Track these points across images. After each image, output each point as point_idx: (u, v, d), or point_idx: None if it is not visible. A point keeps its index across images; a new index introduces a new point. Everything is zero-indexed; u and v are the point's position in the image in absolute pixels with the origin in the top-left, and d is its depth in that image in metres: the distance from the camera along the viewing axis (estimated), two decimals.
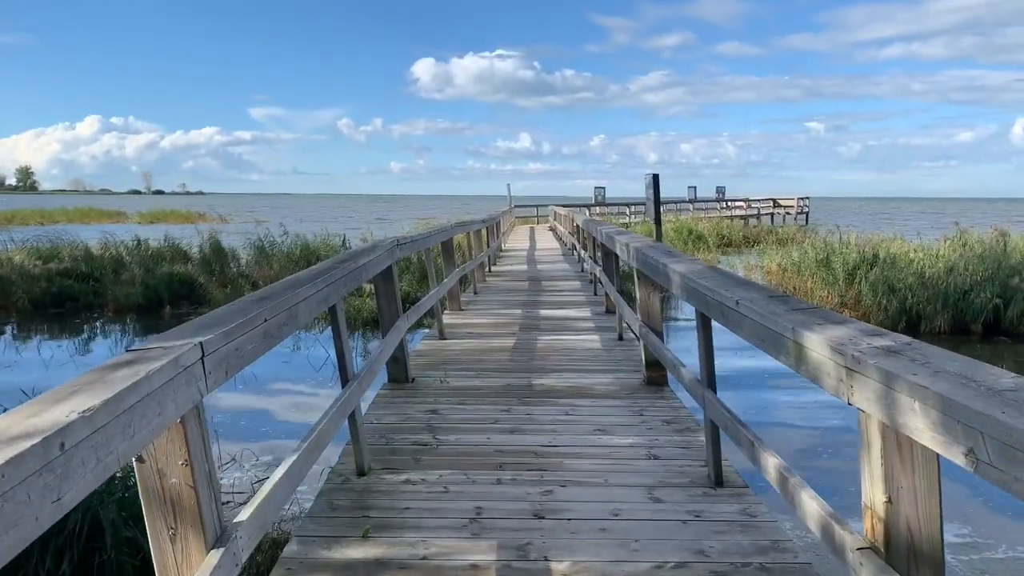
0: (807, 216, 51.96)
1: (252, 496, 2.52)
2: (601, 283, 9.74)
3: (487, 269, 13.72)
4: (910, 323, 12.41)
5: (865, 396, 1.94)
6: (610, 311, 8.90)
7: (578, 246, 15.24)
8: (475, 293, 10.84)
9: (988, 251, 15.18)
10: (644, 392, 5.34)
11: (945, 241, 19.27)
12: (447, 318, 8.50)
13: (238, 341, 2.32)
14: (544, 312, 9.06)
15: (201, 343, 2.05)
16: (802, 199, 53.47)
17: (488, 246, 13.89)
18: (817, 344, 2.18)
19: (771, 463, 2.70)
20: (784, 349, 2.43)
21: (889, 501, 1.98)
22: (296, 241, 19.76)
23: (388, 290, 5.42)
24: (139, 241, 19.08)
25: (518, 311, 9.14)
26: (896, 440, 1.94)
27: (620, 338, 7.28)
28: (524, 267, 15.35)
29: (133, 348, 2.00)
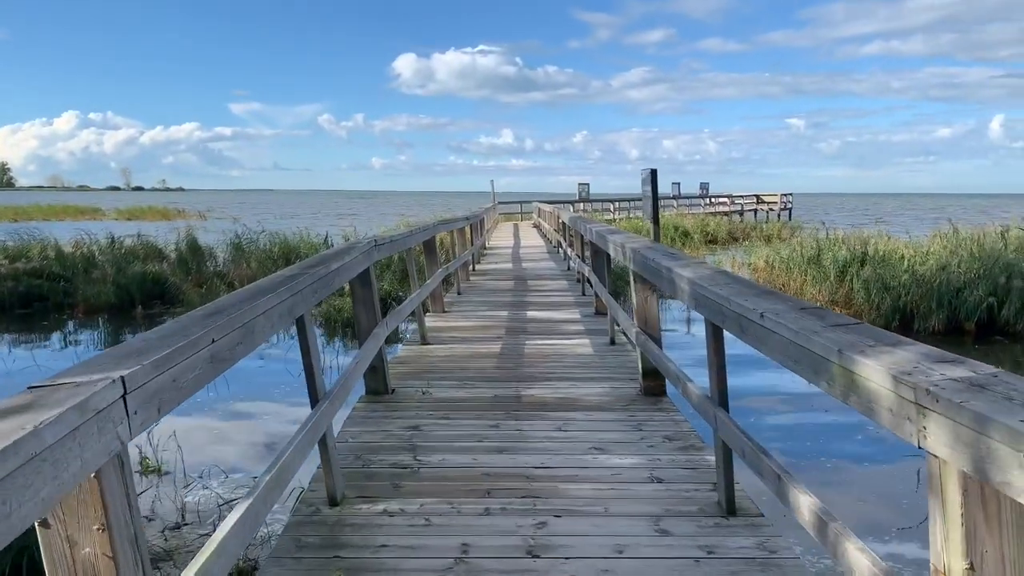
0: (790, 212, 52.03)
1: (201, 549, 2.13)
2: (590, 283, 9.39)
3: (471, 268, 13.33)
4: (903, 322, 12.15)
5: (943, 440, 1.57)
6: (600, 313, 8.54)
7: (564, 244, 14.88)
8: (459, 293, 10.45)
9: (980, 248, 14.98)
10: (642, 403, 4.97)
11: (936, 237, 19.12)
12: (430, 320, 8.11)
13: (175, 370, 1.92)
14: (531, 314, 8.68)
15: (123, 378, 1.66)
16: (785, 195, 53.55)
17: (472, 244, 13.49)
18: (875, 372, 1.81)
19: (804, 503, 2.33)
20: (826, 374, 2.07)
21: (971, 568, 1.61)
22: (275, 239, 19.29)
23: (365, 296, 5.02)
24: (112, 239, 18.47)
25: (504, 313, 8.76)
26: (982, 494, 1.58)
27: (612, 342, 6.92)
28: (509, 265, 14.97)
29: (36, 386, 1.60)
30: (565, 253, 14.98)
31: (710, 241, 30.26)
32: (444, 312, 8.75)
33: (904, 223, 43.80)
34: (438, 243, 9.05)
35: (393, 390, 5.28)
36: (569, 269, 13.73)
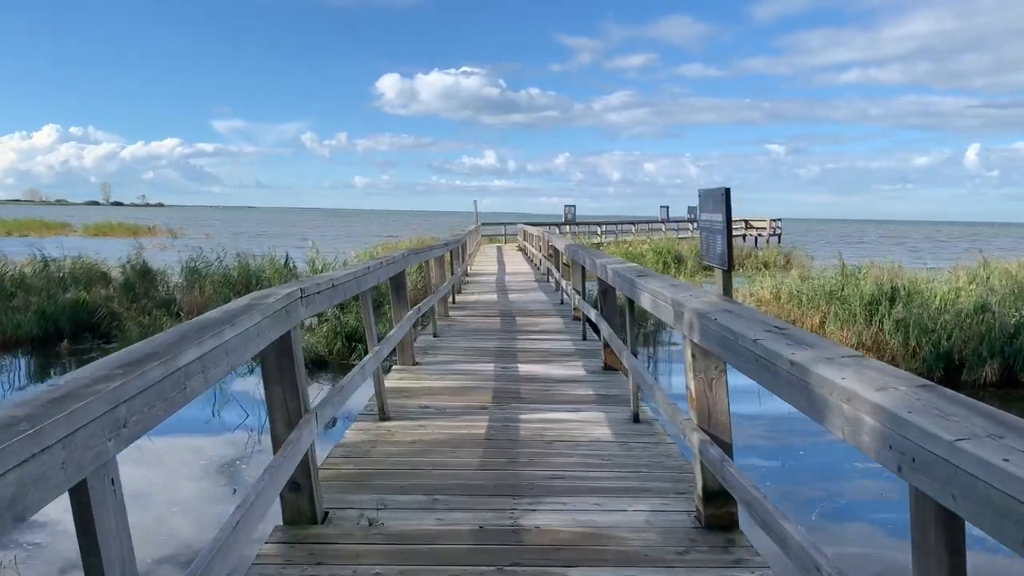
0: (779, 238, 50.85)
1: None
2: (594, 329, 7.70)
3: (451, 299, 11.59)
4: (948, 371, 10.54)
5: None
6: (611, 368, 6.82)
7: (555, 272, 13.18)
8: (435, 336, 8.69)
9: (1017, 284, 13.46)
10: (705, 548, 3.22)
11: (961, 271, 17.62)
12: (394, 379, 6.35)
13: None
14: (524, 368, 6.93)
15: None
16: (774, 221, 52.46)
17: (452, 273, 11.76)
18: None
19: None
20: None
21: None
22: (236, 261, 17.45)
23: (284, 372, 3.27)
24: (46, 260, 16.52)
25: (489, 366, 6.99)
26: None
27: (636, 419, 5.19)
28: (493, 296, 13.23)
29: None
30: (557, 283, 13.29)
31: (706, 268, 28.70)
32: (415, 364, 6.98)
33: (906, 252, 42.66)
34: (423, 268, 7.30)
35: (326, 515, 3.50)
36: (562, 303, 12.02)
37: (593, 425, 5.10)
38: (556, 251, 13.08)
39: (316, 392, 7.35)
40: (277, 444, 3.21)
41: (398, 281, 6.66)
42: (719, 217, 4.30)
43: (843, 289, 13.80)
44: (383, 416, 5.12)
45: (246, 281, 16.17)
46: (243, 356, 2.65)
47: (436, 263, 9.86)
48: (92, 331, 12.67)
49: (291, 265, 17.52)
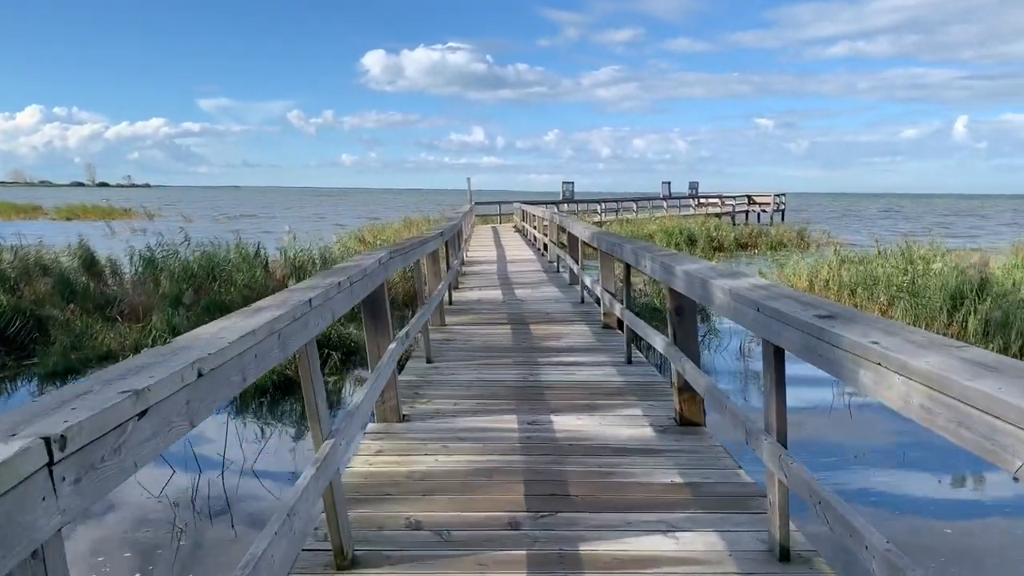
0: (783, 214, 48.76)
1: None
2: (634, 343, 5.53)
3: (447, 300, 9.38)
4: None
5: None
6: (691, 422, 4.64)
7: (572, 264, 10.97)
8: (429, 361, 6.46)
9: None
10: None
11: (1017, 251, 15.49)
12: (368, 454, 4.16)
13: None
14: (562, 424, 4.69)
15: None
16: (778, 196, 50.30)
17: (448, 266, 9.53)
18: None
19: None
20: None
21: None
22: (199, 250, 15.16)
23: None
24: None
25: (511, 421, 4.75)
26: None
27: (784, 556, 3.00)
28: (498, 293, 11.00)
29: None
30: (574, 274, 11.11)
31: (716, 248, 26.55)
32: (401, 420, 4.78)
33: (920, 228, 40.52)
34: (411, 273, 5.08)
35: None
36: (583, 301, 9.83)
37: (700, 551, 2.92)
38: (573, 239, 10.86)
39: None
40: None
41: (375, 301, 4.44)
42: None
43: (914, 279, 11.63)
44: (339, 562, 2.90)
45: (210, 274, 13.94)
46: None
47: (429, 259, 7.61)
48: (8, 342, 10.38)
49: (262, 254, 15.23)
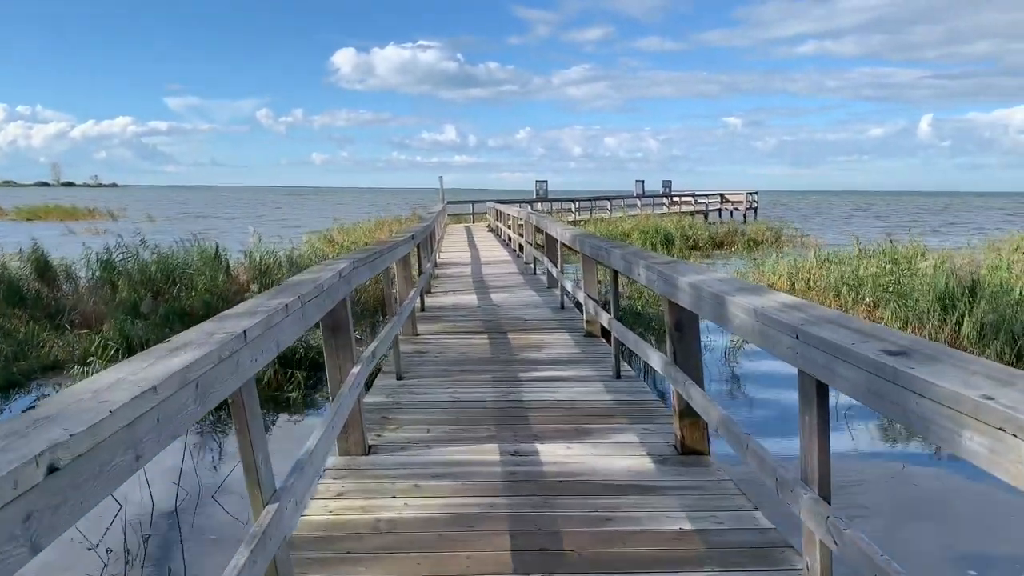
0: (755, 212, 48.73)
1: None
2: (620, 353, 5.01)
3: (419, 307, 8.81)
4: None
5: None
6: (694, 450, 4.14)
7: (551, 267, 10.46)
8: (399, 378, 5.89)
9: None
10: None
11: (993, 249, 15.27)
12: (327, 498, 3.59)
13: None
14: (550, 455, 4.12)
15: None
16: (751, 194, 50.26)
17: (421, 271, 8.98)
18: None
19: None
20: None
21: None
22: (156, 253, 14.41)
23: None
24: None
25: (491, 452, 4.19)
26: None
27: None
28: (473, 297, 10.44)
29: None
30: (552, 277, 10.63)
31: (691, 247, 26.22)
32: (367, 453, 4.21)
33: (892, 227, 40.54)
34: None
35: None
36: (563, 307, 9.33)
37: None
38: (552, 240, 10.36)
39: None
40: None
41: (335, 319, 3.88)
42: None
43: (899, 279, 11.28)
44: None
45: (170, 279, 13.23)
46: None
47: (400, 264, 7.04)
48: None
49: (222, 258, 14.51)
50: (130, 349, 9.62)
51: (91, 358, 8.57)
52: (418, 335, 7.61)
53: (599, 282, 7.96)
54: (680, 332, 4.09)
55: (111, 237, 19.02)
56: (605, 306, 6.88)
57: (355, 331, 4.81)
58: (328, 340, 3.94)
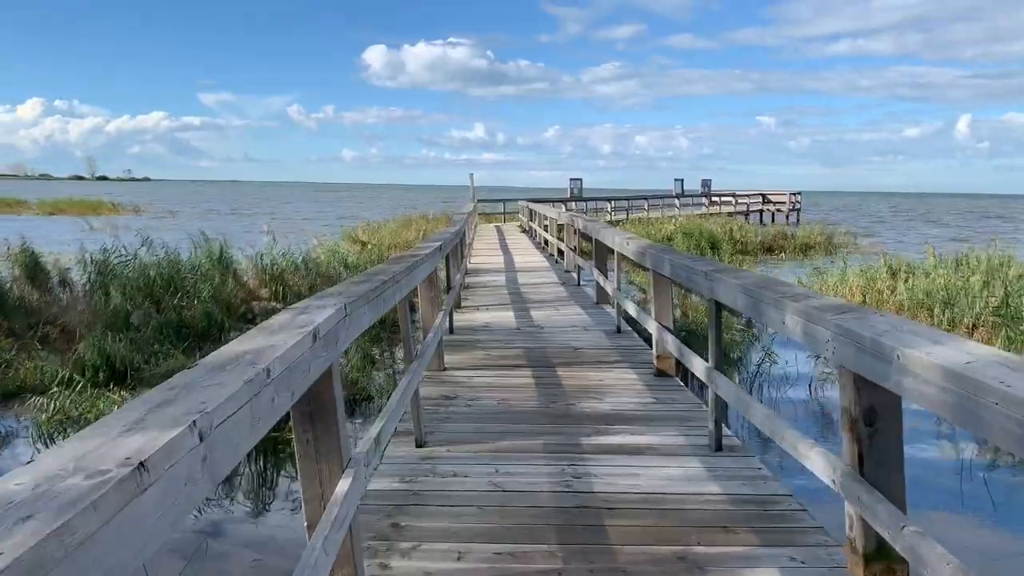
0: (799, 214, 46.57)
1: None
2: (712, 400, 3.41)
3: (447, 329, 7.29)
4: None
5: None
6: None
7: (605, 284, 8.88)
8: (419, 445, 4.37)
9: None
10: None
11: None
12: None
13: None
14: None
15: None
16: (794, 195, 48.10)
17: (451, 287, 7.46)
18: None
19: None
20: None
21: None
22: (157, 257, 13.05)
23: None
24: None
25: None
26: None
27: None
28: (509, 315, 8.88)
29: None
30: (601, 290, 9.07)
31: (739, 251, 24.37)
32: None
33: (948, 230, 38.25)
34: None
35: None
36: (619, 331, 7.75)
37: None
38: (601, 247, 8.79)
39: None
40: None
41: (317, 401, 2.35)
42: None
43: (1007, 298, 9.52)
44: None
45: (171, 284, 11.85)
46: None
47: (424, 287, 5.50)
48: None
49: (227, 261, 13.11)
50: (112, 370, 8.24)
51: (54, 388, 7.11)
52: (445, 370, 6.08)
53: (674, 305, 6.33)
54: (872, 427, 2.51)
55: (127, 233, 17.84)
56: (686, 340, 5.31)
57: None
58: (301, 432, 2.41)
